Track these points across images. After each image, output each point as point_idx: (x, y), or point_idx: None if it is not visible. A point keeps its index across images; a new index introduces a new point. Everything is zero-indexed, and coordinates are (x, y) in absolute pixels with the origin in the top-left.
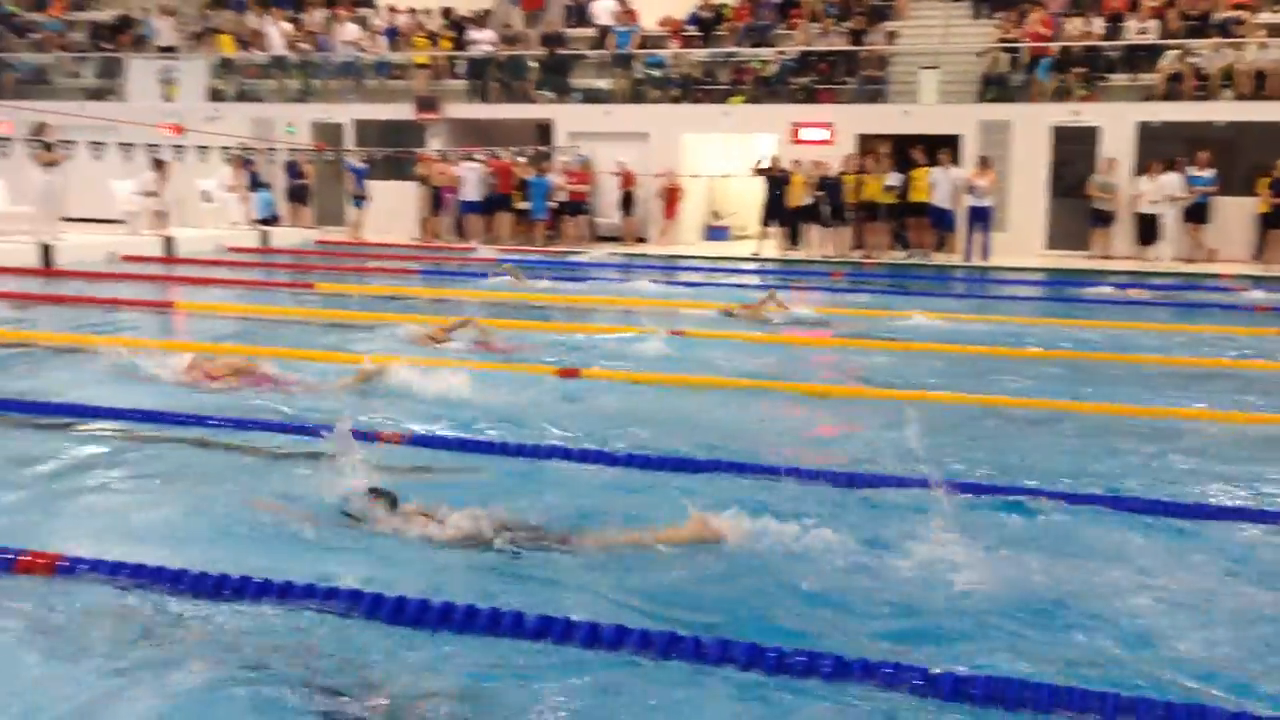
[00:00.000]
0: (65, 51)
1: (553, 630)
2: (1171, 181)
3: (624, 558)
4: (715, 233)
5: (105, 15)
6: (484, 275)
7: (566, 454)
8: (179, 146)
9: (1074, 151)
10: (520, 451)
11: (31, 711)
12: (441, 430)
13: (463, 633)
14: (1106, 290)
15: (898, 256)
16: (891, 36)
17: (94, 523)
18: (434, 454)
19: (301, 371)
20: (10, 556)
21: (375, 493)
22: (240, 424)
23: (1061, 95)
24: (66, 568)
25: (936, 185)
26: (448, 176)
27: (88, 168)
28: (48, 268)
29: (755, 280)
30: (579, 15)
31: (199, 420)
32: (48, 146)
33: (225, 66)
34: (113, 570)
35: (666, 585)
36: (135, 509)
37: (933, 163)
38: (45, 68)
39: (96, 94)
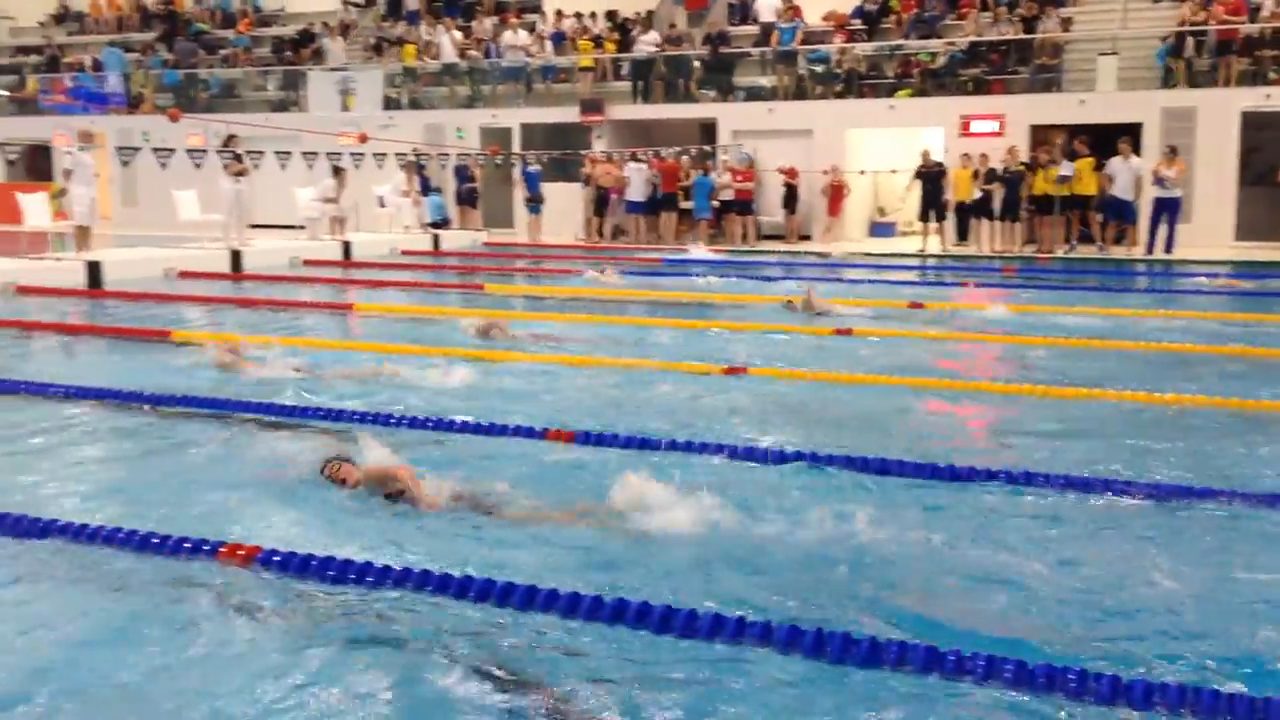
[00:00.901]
0: (252, 66)
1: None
2: None
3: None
4: (880, 229)
5: (288, 30)
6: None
7: (733, 451)
8: (357, 154)
9: (1265, 138)
10: (688, 448)
11: (227, 699)
12: (606, 428)
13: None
14: None
15: (1088, 250)
16: (1066, 23)
17: (287, 515)
18: (601, 451)
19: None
20: (211, 547)
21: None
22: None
23: (1253, 79)
24: (263, 559)
25: (1116, 176)
26: (613, 177)
27: (272, 176)
28: (237, 272)
29: (917, 277)
30: (742, 13)
31: (383, 419)
32: (237, 157)
33: (405, 75)
34: (303, 564)
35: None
36: (322, 503)
37: (1110, 153)
38: (234, 82)
39: (280, 106)
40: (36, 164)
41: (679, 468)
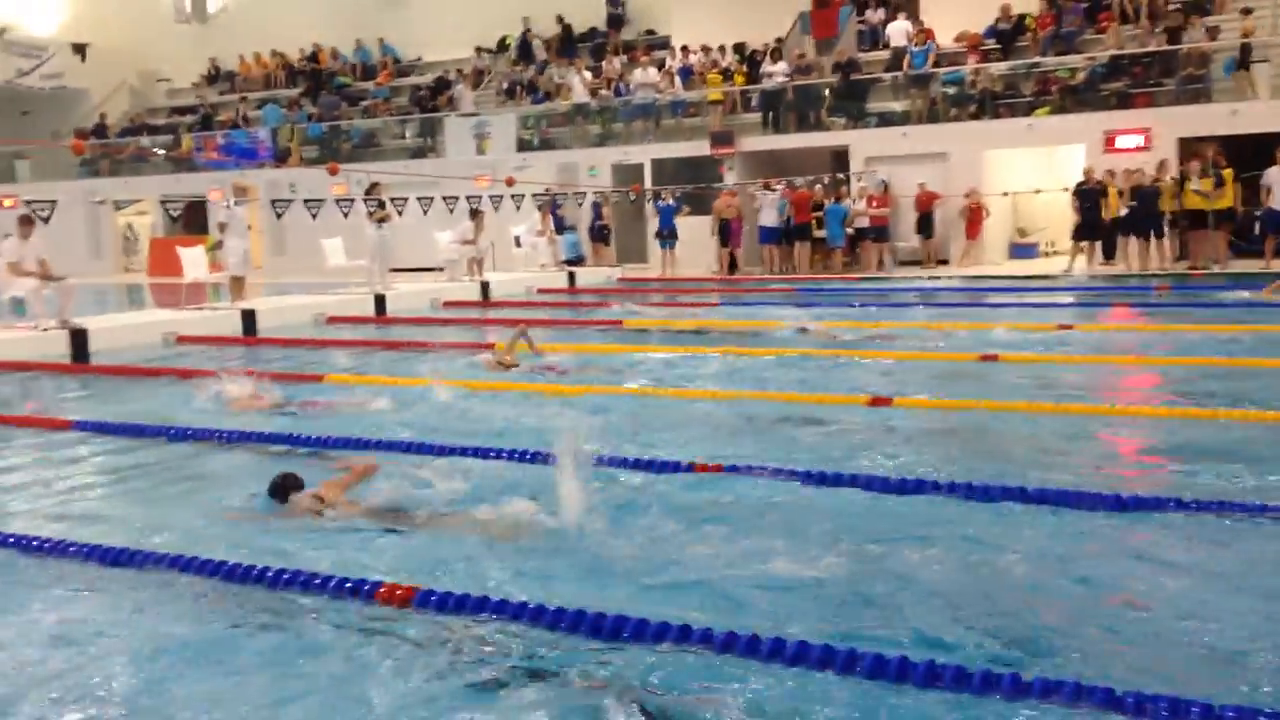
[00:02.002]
0: (391, 116)
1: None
2: None
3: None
4: (1021, 250)
5: (425, 79)
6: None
7: (885, 484)
8: (495, 196)
9: None
10: (837, 480)
11: None
12: (747, 460)
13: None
14: None
15: (1247, 264)
16: (1213, 32)
17: (436, 554)
18: (747, 482)
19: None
20: (370, 587)
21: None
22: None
23: None
24: (422, 600)
25: (1274, 187)
26: (734, 209)
27: (412, 221)
28: (381, 315)
29: (1068, 299)
30: (872, 39)
31: (527, 455)
32: (380, 204)
33: (537, 118)
34: (459, 603)
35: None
36: (474, 543)
37: (1268, 162)
38: (374, 132)
39: (418, 153)
40: (193, 218)
41: (826, 499)
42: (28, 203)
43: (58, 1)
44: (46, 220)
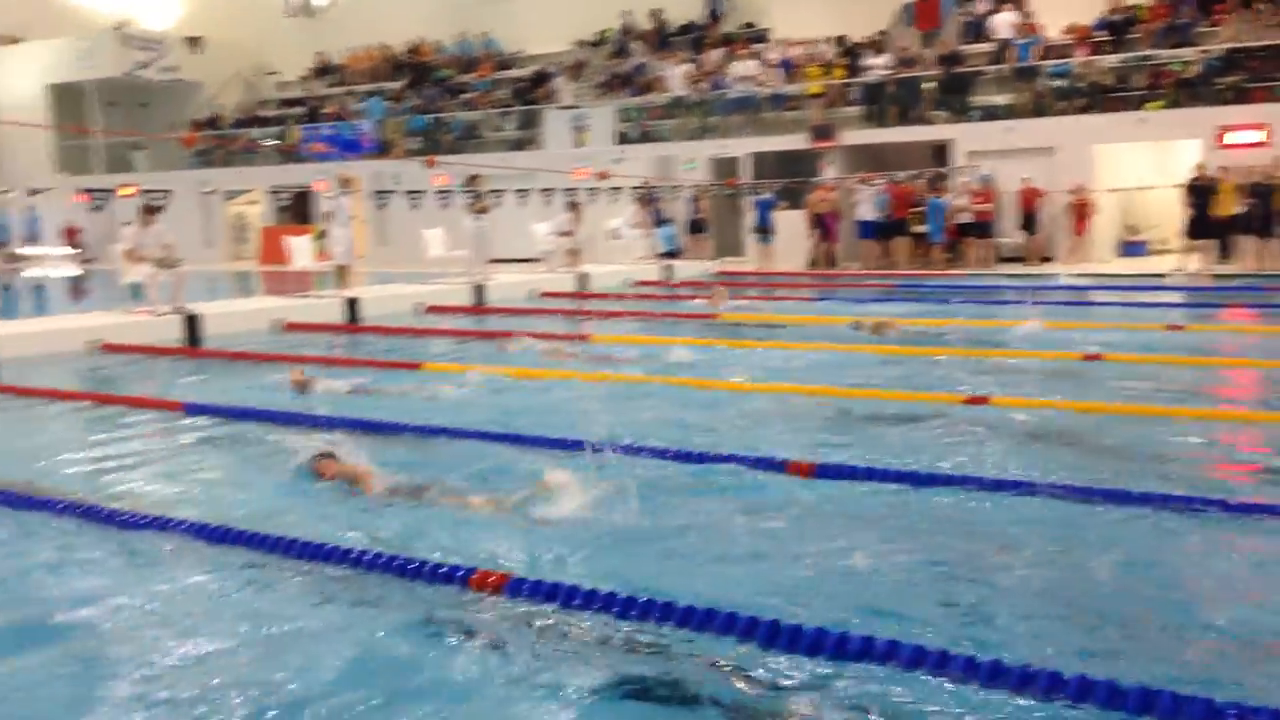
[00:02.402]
0: (491, 108)
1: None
2: None
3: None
4: (1131, 248)
5: (525, 72)
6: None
7: (979, 483)
8: (592, 189)
9: None
10: (930, 481)
11: None
12: (840, 458)
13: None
14: None
15: None
16: None
17: (520, 542)
18: (841, 486)
19: None
20: (463, 573)
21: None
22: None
23: None
24: (513, 587)
25: None
26: (829, 203)
27: (511, 212)
28: (479, 305)
29: (1178, 299)
30: (976, 31)
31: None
32: (479, 196)
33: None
34: (550, 592)
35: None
36: (569, 529)
37: None
38: (474, 124)
39: (518, 145)
40: (300, 208)
41: (919, 499)
42: (145, 192)
43: None
44: (161, 210)
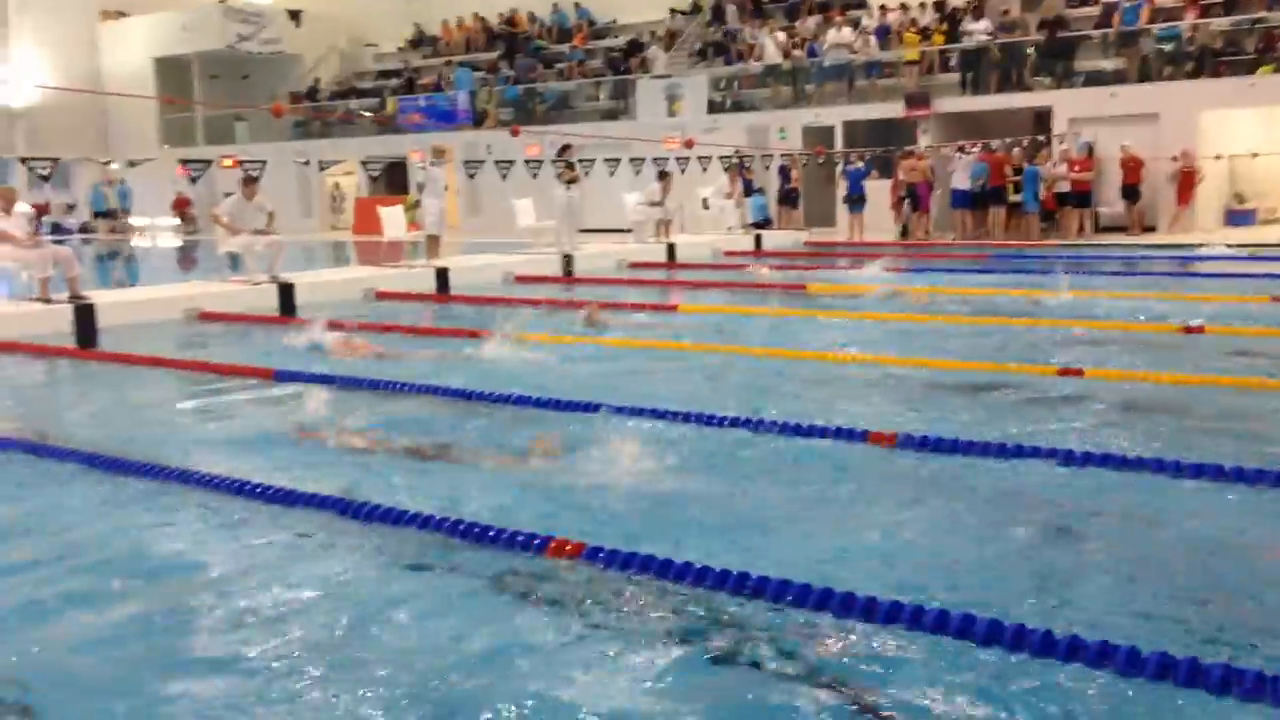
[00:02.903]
0: (584, 78)
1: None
2: None
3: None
4: (1238, 218)
5: (619, 42)
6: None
7: (1068, 456)
8: (682, 159)
9: None
10: (1019, 452)
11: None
12: (927, 429)
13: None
14: None
15: None
16: None
17: (594, 509)
18: (927, 458)
19: None
20: (541, 541)
21: None
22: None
23: None
24: (590, 554)
25: None
26: (920, 172)
27: (601, 182)
28: (568, 275)
29: None
30: None
31: (706, 418)
32: (569, 165)
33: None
34: (625, 561)
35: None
36: (647, 500)
37: None
38: (568, 94)
39: (610, 115)
40: (393, 179)
41: (1012, 474)
42: (243, 163)
43: None
44: (257, 180)
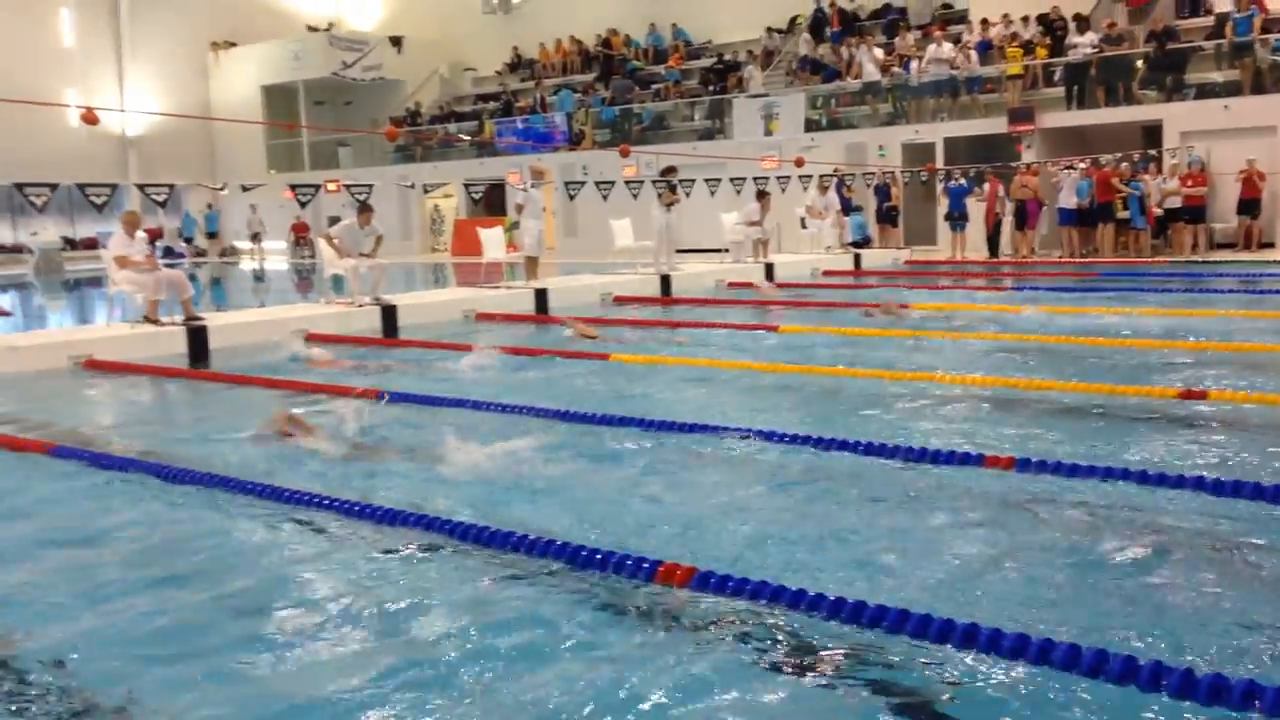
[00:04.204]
0: (680, 98)
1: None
2: None
3: None
4: None
5: (714, 61)
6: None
7: (1198, 483)
8: (782, 178)
9: None
10: (1143, 478)
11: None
12: (1042, 454)
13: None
14: None
15: None
16: None
17: (706, 536)
18: (1045, 480)
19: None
20: (650, 566)
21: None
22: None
23: None
24: (700, 581)
25: None
26: (1030, 189)
27: (698, 202)
28: (666, 296)
29: None
30: (1192, 5)
31: (803, 439)
32: (671, 188)
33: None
34: (737, 587)
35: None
36: (768, 526)
37: None
38: (663, 114)
39: (706, 134)
40: (491, 200)
41: (1148, 503)
42: (348, 187)
43: None
44: (372, 210)
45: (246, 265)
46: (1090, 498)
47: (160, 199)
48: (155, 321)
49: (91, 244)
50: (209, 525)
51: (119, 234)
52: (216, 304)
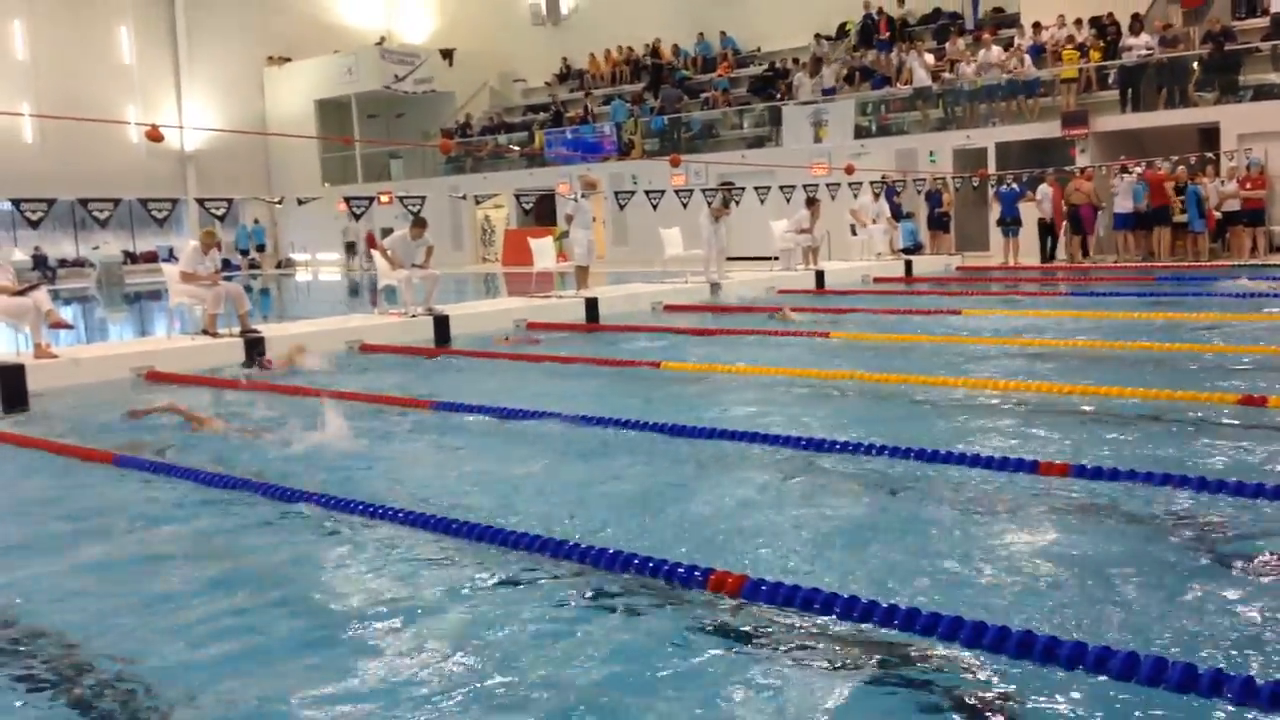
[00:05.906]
0: (729, 106)
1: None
2: None
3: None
4: None
5: (763, 69)
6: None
7: (1259, 490)
8: (832, 184)
9: None
10: (1201, 485)
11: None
12: (1098, 461)
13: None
14: None
15: None
16: None
17: (770, 544)
18: (1100, 486)
19: None
20: (702, 574)
21: None
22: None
23: None
24: (751, 589)
25: None
26: (1084, 193)
27: (748, 209)
28: (716, 304)
29: None
30: (1249, 5)
31: (853, 447)
32: (725, 203)
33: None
34: (788, 596)
35: None
36: (807, 532)
37: None
38: (712, 123)
39: (755, 142)
40: (541, 210)
41: (1185, 504)
42: (400, 199)
43: (428, 12)
44: (426, 224)
45: (301, 277)
46: (1148, 506)
47: (219, 213)
48: (213, 334)
49: (151, 257)
50: (279, 537)
51: (193, 250)
52: (263, 314)
